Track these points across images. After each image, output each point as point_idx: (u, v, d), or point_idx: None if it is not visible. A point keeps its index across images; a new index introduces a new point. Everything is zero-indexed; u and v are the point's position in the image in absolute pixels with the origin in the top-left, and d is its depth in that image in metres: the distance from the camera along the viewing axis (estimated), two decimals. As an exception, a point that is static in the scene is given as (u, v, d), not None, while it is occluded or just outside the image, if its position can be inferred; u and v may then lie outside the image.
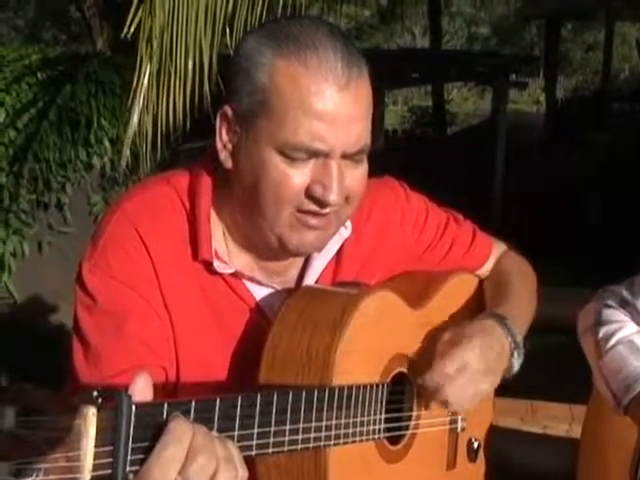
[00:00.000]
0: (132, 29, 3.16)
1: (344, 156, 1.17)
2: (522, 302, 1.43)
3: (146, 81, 3.18)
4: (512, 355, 1.31)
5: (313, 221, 1.19)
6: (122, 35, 3.23)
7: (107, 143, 5.13)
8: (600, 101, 14.98)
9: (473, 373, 1.25)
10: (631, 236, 6.53)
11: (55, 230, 5.11)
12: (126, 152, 3.35)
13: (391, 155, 10.75)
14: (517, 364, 1.33)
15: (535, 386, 3.36)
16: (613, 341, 1.48)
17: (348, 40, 1.19)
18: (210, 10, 3.32)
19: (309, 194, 1.17)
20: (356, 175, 1.21)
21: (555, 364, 3.44)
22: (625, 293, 1.52)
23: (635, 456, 1.49)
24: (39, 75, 5.21)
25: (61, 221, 5.13)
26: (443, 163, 9.78)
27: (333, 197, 1.16)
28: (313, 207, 1.17)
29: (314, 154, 1.15)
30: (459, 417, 1.44)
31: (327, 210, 1.18)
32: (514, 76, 14.35)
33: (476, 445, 1.50)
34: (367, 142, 1.20)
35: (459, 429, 1.45)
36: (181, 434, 0.87)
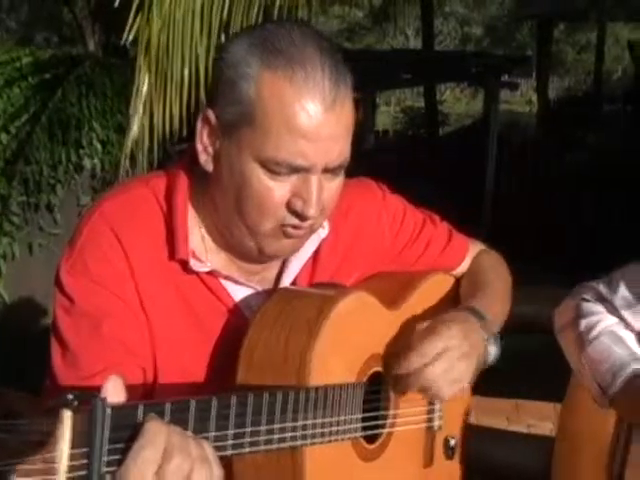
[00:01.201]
0: (131, 36, 3.19)
1: (325, 170, 1.20)
2: (496, 300, 1.46)
3: (145, 90, 3.20)
4: (488, 343, 1.34)
5: (292, 232, 1.22)
6: (122, 42, 3.26)
7: (98, 144, 5.14)
8: (592, 102, 15.02)
9: (452, 358, 1.26)
10: (624, 236, 6.57)
11: (45, 232, 5.12)
12: (124, 162, 3.36)
13: (383, 156, 10.78)
14: (493, 353, 1.35)
15: (520, 385, 3.39)
16: (595, 332, 1.50)
17: (336, 53, 1.20)
18: (205, 16, 3.34)
19: (289, 207, 1.19)
20: (332, 187, 1.24)
21: (541, 363, 3.47)
22: (603, 289, 1.54)
23: (611, 451, 1.51)
24: (30, 79, 5.23)
25: (51, 223, 5.14)
26: (435, 163, 9.81)
27: (312, 211, 1.19)
28: (294, 221, 1.20)
29: (295, 170, 1.17)
30: (436, 415, 1.46)
31: (307, 223, 1.21)
32: (506, 77, 14.40)
33: (453, 443, 1.53)
34: (347, 157, 1.22)
35: (436, 427, 1.47)
36: (156, 435, 0.89)
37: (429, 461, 1.48)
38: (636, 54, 11.83)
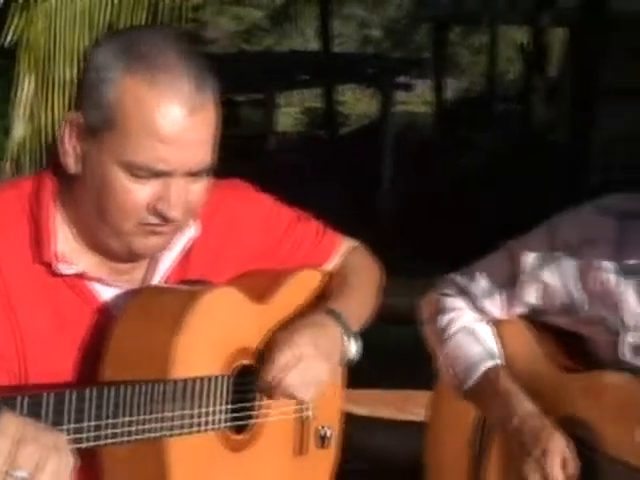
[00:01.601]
0: (11, 37, 3.13)
1: (188, 174, 1.23)
2: (359, 296, 1.52)
3: (27, 92, 3.15)
4: (346, 341, 1.41)
5: (156, 229, 1.25)
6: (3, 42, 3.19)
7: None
8: (486, 102, 15.48)
9: (307, 361, 1.33)
10: (519, 234, 6.78)
11: None
12: (7, 165, 3.29)
13: (283, 157, 10.87)
14: (353, 349, 1.43)
15: (408, 376, 3.48)
16: (453, 329, 1.57)
17: (200, 59, 1.23)
18: (90, 16, 3.31)
19: (152, 210, 1.22)
20: (197, 189, 1.26)
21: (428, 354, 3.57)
22: (462, 281, 1.61)
23: (473, 437, 1.59)
24: None
25: None
26: (333, 163, 9.94)
27: (174, 214, 1.22)
28: (155, 221, 1.23)
29: (157, 174, 1.20)
30: (306, 406, 1.51)
31: (169, 225, 1.24)
32: (405, 77, 14.70)
33: (325, 432, 1.58)
34: (210, 161, 1.25)
35: (307, 417, 1.52)
36: (7, 427, 0.92)
37: (302, 450, 1.53)
38: (525, 55, 12.26)
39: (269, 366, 1.32)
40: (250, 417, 1.38)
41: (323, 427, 1.57)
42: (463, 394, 1.54)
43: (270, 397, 1.37)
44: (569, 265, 1.46)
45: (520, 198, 8.66)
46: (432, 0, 12.57)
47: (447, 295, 1.62)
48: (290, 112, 23.89)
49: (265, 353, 1.38)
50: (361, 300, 1.54)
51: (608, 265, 1.42)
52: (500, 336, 1.59)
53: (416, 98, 26.23)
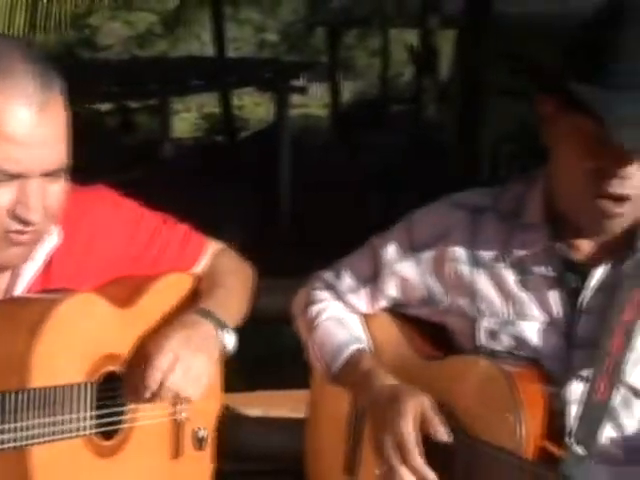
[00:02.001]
0: None
1: (44, 174, 1.23)
2: (230, 296, 1.55)
3: None
4: (220, 335, 1.44)
5: (19, 239, 1.25)
6: None
7: None
8: (380, 104, 15.74)
9: (185, 360, 1.36)
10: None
11: None
12: None
13: (180, 163, 10.79)
14: (229, 341, 1.46)
15: (284, 375, 3.50)
16: (322, 318, 1.60)
17: (45, 62, 1.24)
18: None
19: (12, 214, 1.22)
20: (55, 191, 1.27)
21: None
22: (329, 277, 1.65)
23: (349, 429, 1.62)
24: None
25: None
26: (230, 168, 9.93)
27: (34, 216, 1.23)
28: (18, 227, 1.23)
29: (12, 176, 1.20)
30: (180, 408, 1.52)
31: (30, 228, 1.24)
32: (300, 81, 14.80)
33: (202, 434, 1.59)
34: (66, 161, 1.27)
35: (182, 419, 1.53)
36: None
37: (177, 452, 1.54)
38: (414, 57, 12.54)
39: (150, 372, 1.34)
40: (119, 422, 1.39)
41: (199, 428, 1.59)
42: (331, 378, 1.57)
43: (153, 401, 1.38)
44: (425, 258, 1.51)
45: (412, 198, 8.84)
46: (324, 4, 12.72)
47: (316, 289, 1.66)
48: (189, 118, 23.72)
49: (133, 359, 1.39)
50: (232, 300, 1.56)
51: (462, 256, 1.48)
52: (367, 329, 1.64)
53: (315, 101, 26.47)
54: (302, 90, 10.98)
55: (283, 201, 10.12)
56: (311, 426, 1.76)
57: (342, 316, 1.61)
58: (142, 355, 1.38)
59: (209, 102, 25.64)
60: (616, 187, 1.28)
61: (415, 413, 1.36)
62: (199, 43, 28.60)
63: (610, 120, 1.18)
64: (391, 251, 1.55)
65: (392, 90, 17.34)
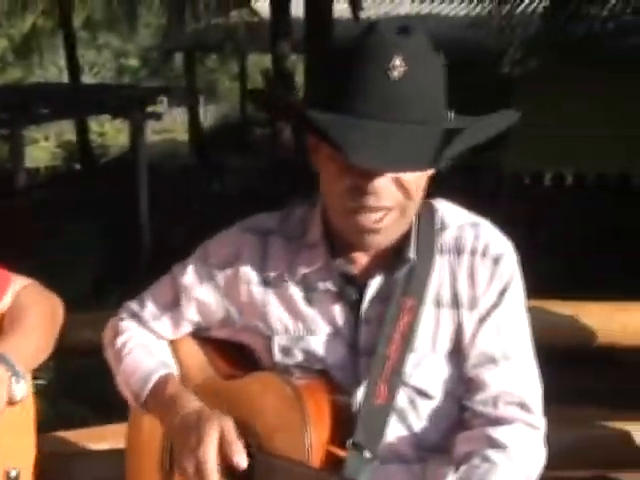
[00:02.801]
0: None
1: None
2: (33, 333, 1.56)
3: None
4: (13, 383, 1.47)
5: None
6: None
7: None
8: (241, 128, 15.84)
9: None
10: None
11: None
12: None
13: (35, 193, 10.48)
14: (19, 390, 1.49)
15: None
16: (128, 347, 1.63)
17: None
18: None
19: None
20: None
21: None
22: (134, 306, 1.68)
23: (161, 458, 1.64)
24: None
25: None
26: (87, 197, 9.74)
27: None
28: None
29: None
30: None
31: None
32: (159, 106, 14.71)
33: (14, 473, 1.59)
34: None
35: None
36: None
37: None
38: (267, 81, 12.72)
39: None
40: None
41: (11, 468, 1.58)
42: (141, 407, 1.59)
43: None
44: (221, 281, 1.58)
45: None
46: (180, 29, 12.74)
47: (123, 319, 1.69)
48: (47, 146, 23.07)
49: None
50: (34, 337, 1.57)
51: (253, 278, 1.54)
52: (173, 355, 1.68)
53: (178, 126, 26.28)
54: (158, 116, 10.91)
55: (143, 228, 10.01)
56: (130, 456, 1.77)
57: (148, 344, 1.65)
58: None
59: (68, 130, 25.06)
60: (371, 201, 1.36)
61: (215, 438, 1.40)
62: (57, 69, 27.90)
63: (343, 145, 1.27)
64: (189, 277, 1.61)
65: (252, 114, 17.48)
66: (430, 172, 1.43)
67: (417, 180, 1.39)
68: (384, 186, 1.36)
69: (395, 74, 1.30)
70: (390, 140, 1.29)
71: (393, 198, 1.38)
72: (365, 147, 1.27)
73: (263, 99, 1.50)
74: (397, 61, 1.30)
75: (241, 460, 1.39)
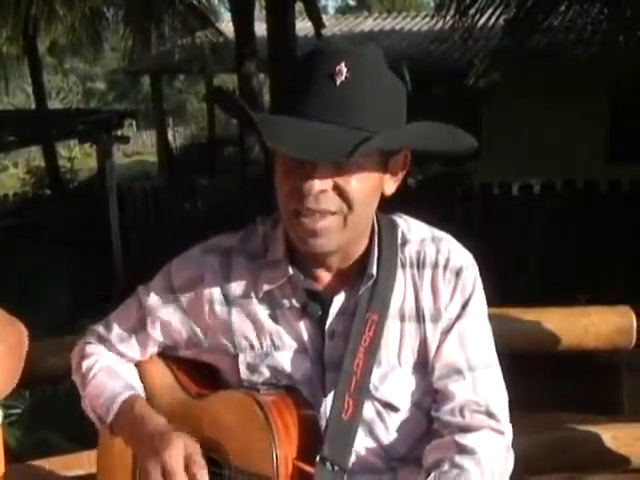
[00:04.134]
0: None
1: None
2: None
3: None
4: None
5: None
6: None
7: None
8: (210, 148, 15.85)
9: None
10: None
11: None
12: None
13: (2, 219, 10.39)
14: None
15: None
16: (94, 370, 1.63)
17: None
18: None
19: None
20: None
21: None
22: (101, 329, 1.69)
23: (135, 474, 1.65)
24: None
25: None
26: (59, 223, 9.68)
27: None
28: None
29: None
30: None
31: None
32: (126, 129, 14.67)
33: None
34: None
35: None
36: None
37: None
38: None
39: None
40: None
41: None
42: (109, 430, 1.60)
43: None
44: (184, 302, 1.59)
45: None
46: (145, 52, 12.74)
47: (89, 343, 1.70)
48: (17, 173, 22.91)
49: None
50: (2, 369, 1.57)
51: (216, 297, 1.56)
52: (141, 376, 1.68)
53: (148, 148, 26.24)
54: (125, 139, 10.88)
55: (115, 251, 9.96)
56: (101, 478, 1.77)
57: (113, 367, 1.65)
58: None
59: (38, 155, 24.92)
60: (310, 203, 1.39)
61: (181, 458, 1.41)
62: (24, 95, 27.75)
63: (262, 128, 1.33)
64: (153, 298, 1.62)
65: (220, 134, 17.49)
66: (377, 190, 1.45)
67: (359, 191, 1.40)
68: (321, 189, 1.38)
69: (339, 79, 1.34)
70: (310, 132, 1.32)
71: (333, 203, 1.40)
72: (282, 133, 1.32)
73: (226, 99, 1.52)
74: (342, 67, 1.34)
75: (204, 477, 1.40)
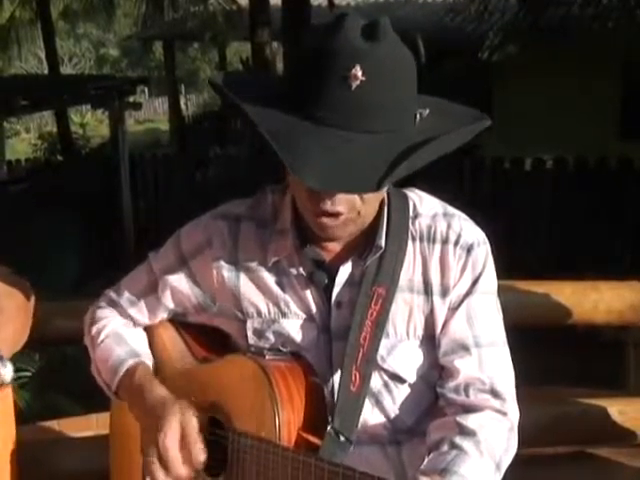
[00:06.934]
0: None
1: None
2: (9, 321, 1.58)
3: None
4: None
5: None
6: None
7: None
8: (223, 117, 15.78)
9: None
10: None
11: None
12: None
13: (16, 186, 10.42)
14: (7, 374, 1.52)
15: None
16: (102, 335, 1.65)
17: None
18: None
19: None
20: None
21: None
22: (112, 294, 1.70)
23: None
24: None
25: None
26: (71, 188, 9.70)
27: None
28: None
29: None
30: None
31: None
32: (139, 96, 14.65)
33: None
34: None
35: None
36: None
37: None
38: (246, 69, 12.68)
39: None
40: None
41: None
42: (114, 395, 1.62)
43: None
44: (193, 267, 1.60)
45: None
46: (158, 18, 12.66)
47: (100, 307, 1.71)
48: (28, 138, 22.93)
49: None
50: (7, 326, 1.59)
51: (225, 263, 1.56)
52: (151, 341, 1.70)
53: (160, 116, 26.18)
54: (137, 106, 10.86)
55: (126, 218, 9.99)
56: (114, 440, 1.79)
57: (122, 332, 1.67)
58: None
59: (50, 121, 24.92)
60: (328, 206, 1.39)
61: (177, 427, 1.42)
62: (36, 60, 27.70)
63: (290, 164, 1.27)
64: (164, 264, 1.63)
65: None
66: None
67: (375, 193, 1.40)
68: (339, 195, 1.38)
69: (355, 83, 1.29)
70: (334, 160, 1.27)
71: (350, 203, 1.40)
72: (310, 166, 1.26)
73: (220, 91, 1.49)
74: (358, 71, 1.29)
75: (199, 452, 1.42)
